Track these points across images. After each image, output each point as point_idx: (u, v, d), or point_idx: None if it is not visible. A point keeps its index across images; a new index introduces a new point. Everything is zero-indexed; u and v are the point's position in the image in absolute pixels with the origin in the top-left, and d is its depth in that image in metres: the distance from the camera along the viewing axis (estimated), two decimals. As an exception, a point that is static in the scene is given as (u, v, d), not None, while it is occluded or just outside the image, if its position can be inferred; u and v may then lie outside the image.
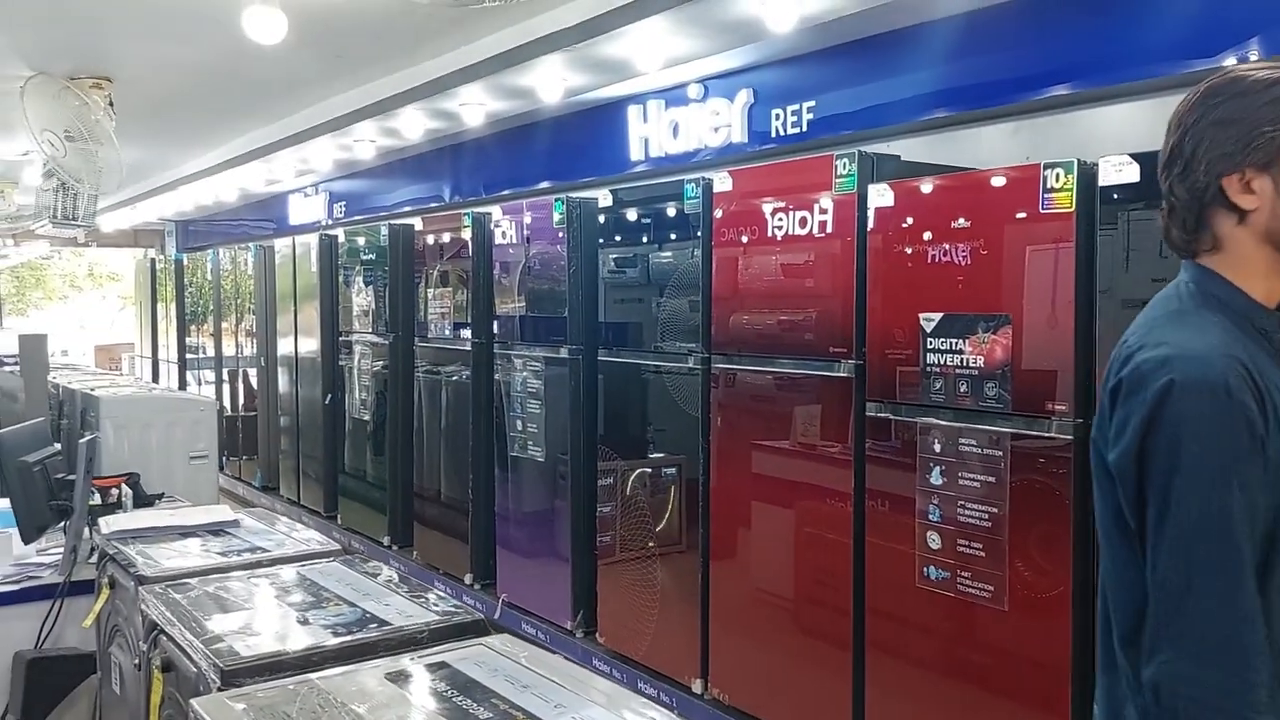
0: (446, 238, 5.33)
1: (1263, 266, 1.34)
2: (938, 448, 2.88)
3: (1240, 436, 1.21)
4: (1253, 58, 2.90)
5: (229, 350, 8.44)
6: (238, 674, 1.84)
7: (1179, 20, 3.11)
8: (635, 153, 5.22)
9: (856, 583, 3.12)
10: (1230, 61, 2.92)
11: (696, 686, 3.67)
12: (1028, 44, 3.55)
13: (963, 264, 2.85)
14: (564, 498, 4.41)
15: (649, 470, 4.06)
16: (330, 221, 8.78)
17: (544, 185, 6.05)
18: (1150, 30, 3.18)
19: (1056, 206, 2.68)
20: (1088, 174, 2.62)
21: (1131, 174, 2.53)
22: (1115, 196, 2.56)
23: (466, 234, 5.06)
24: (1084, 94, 3.46)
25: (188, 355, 9.67)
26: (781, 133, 4.40)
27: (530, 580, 4.67)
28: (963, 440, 2.82)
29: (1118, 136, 3.29)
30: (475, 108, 5.50)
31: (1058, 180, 2.68)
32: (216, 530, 3.05)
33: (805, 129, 4.30)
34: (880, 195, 3.08)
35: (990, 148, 3.78)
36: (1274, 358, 1.31)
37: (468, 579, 5.02)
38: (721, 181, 3.64)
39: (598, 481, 4.24)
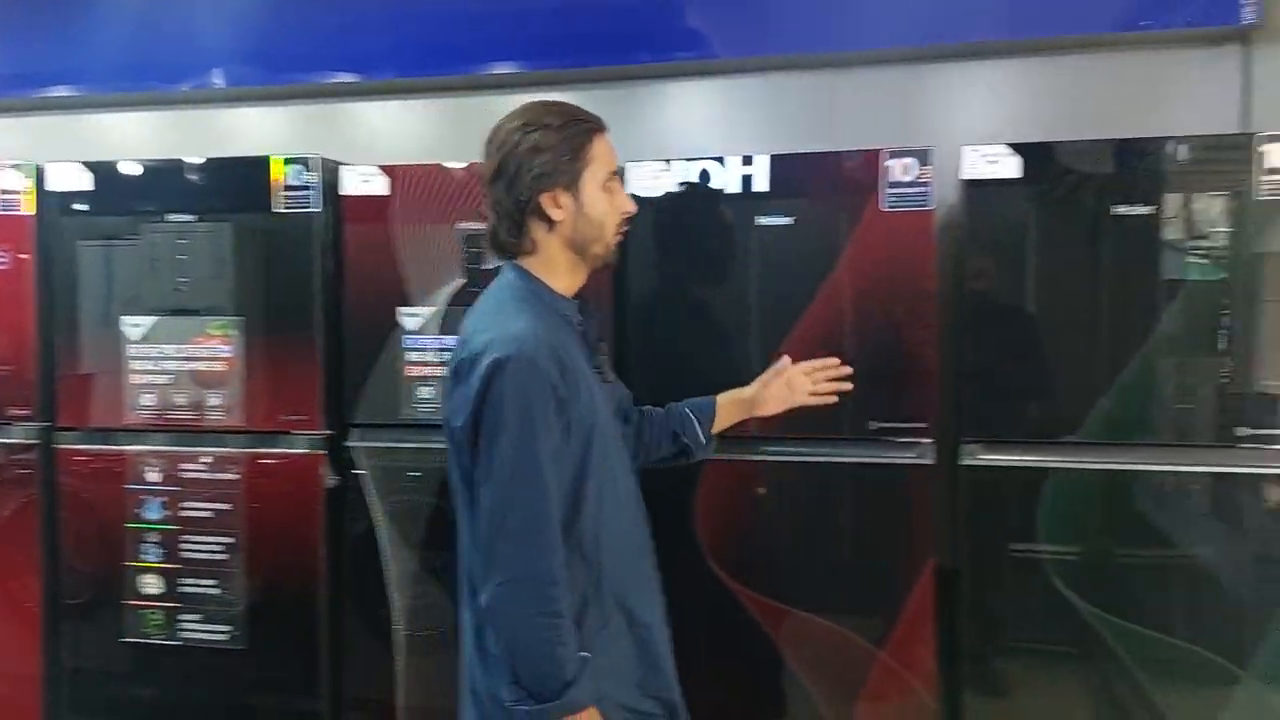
0: None
1: (566, 265, 1.65)
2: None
3: (548, 401, 1.50)
4: (217, 84, 3.21)
5: None
6: None
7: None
8: None
9: None
10: (184, 88, 3.21)
11: None
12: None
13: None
14: None
15: None
16: None
17: None
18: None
19: (19, 209, 2.64)
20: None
21: (86, 181, 2.61)
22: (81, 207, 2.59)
23: None
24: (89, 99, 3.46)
25: None
26: None
27: None
28: (-81, 454, 2.61)
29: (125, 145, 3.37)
30: None
31: (19, 183, 2.64)
32: None
33: None
34: None
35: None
36: (575, 336, 1.65)
37: None
38: None
39: None
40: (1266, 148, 2.08)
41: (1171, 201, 2.15)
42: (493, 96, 3.09)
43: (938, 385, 2.24)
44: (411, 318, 2.50)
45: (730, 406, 1.94)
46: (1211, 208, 2.13)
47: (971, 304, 2.25)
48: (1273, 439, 2.11)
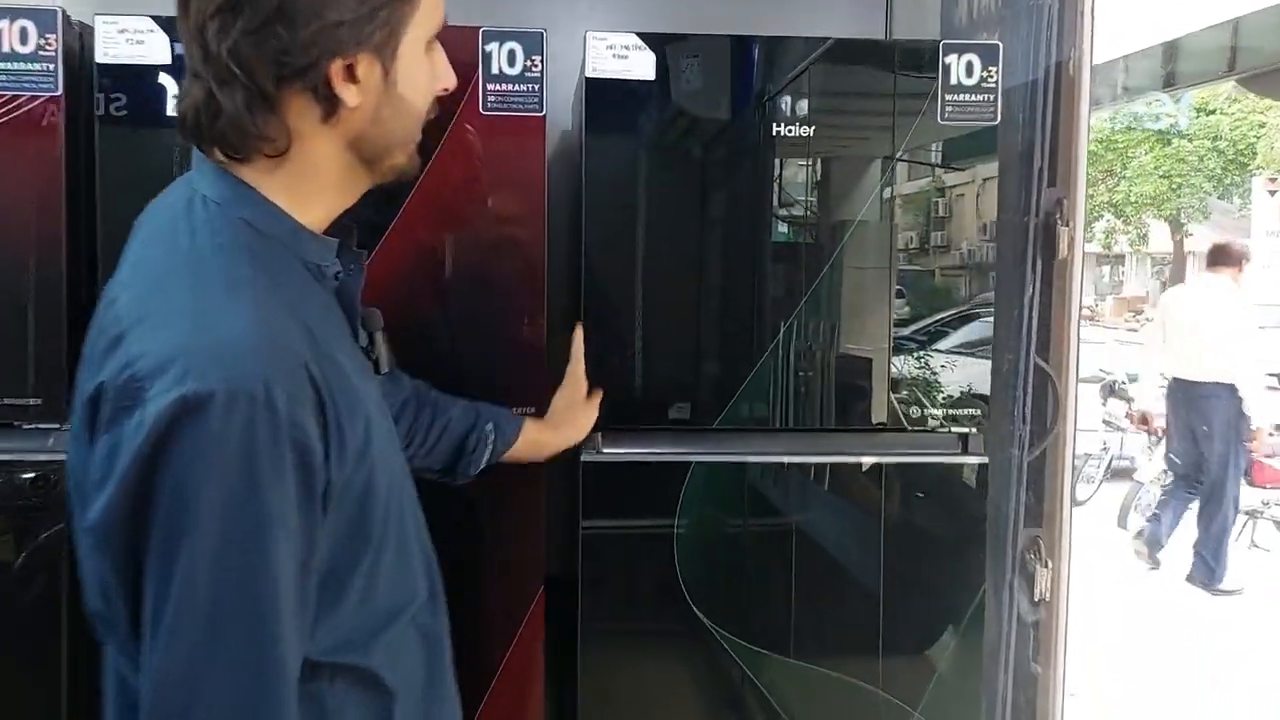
0: None
1: (334, 178, 0.95)
2: None
3: (286, 472, 0.79)
4: None
5: None
6: None
7: None
8: None
9: None
10: None
11: None
12: None
13: None
14: None
15: None
16: None
17: None
18: None
19: None
20: None
21: None
22: None
23: None
24: None
25: None
26: None
27: None
28: None
29: None
30: None
31: None
32: None
33: None
34: None
35: None
36: (329, 301, 0.96)
37: None
38: None
39: None
40: (952, 59, 1.67)
41: (837, 121, 1.71)
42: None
43: (544, 364, 1.65)
44: None
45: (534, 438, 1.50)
46: (885, 126, 1.71)
47: (592, 257, 1.69)
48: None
